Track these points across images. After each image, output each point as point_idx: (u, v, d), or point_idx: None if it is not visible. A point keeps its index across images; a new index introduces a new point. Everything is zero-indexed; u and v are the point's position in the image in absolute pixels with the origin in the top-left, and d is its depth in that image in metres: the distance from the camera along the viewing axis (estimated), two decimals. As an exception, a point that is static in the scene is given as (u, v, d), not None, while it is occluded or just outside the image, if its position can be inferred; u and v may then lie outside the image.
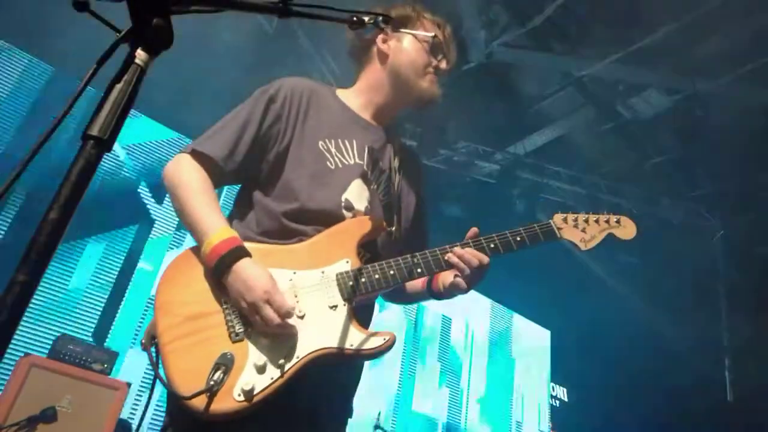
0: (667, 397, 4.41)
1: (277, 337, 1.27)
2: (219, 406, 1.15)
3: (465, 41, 3.39)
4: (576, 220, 1.53)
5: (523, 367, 5.35)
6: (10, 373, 2.74)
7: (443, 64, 1.62)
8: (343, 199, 1.48)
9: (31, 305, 0.64)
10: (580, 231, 1.53)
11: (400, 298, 1.71)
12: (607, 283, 4.80)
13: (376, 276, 1.37)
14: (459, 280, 1.42)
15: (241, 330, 1.27)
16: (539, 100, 3.57)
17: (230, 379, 1.18)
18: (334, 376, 1.36)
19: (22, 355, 2.78)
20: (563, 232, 1.51)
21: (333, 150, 1.53)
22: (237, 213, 1.52)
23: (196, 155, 1.42)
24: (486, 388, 5.09)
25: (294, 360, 1.24)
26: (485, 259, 1.40)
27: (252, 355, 1.24)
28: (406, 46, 1.61)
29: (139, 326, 3.29)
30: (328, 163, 1.50)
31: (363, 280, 1.36)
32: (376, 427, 3.46)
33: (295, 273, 1.37)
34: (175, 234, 3.79)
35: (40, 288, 0.67)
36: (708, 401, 4.29)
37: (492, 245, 1.42)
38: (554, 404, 5.07)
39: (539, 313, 5.41)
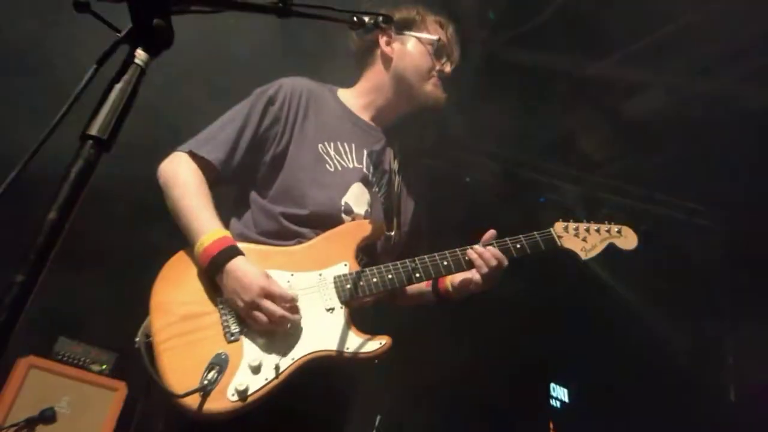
0: (668, 397, 4.40)
1: (272, 338, 1.27)
2: (212, 406, 1.15)
3: (465, 41, 3.39)
4: (577, 229, 1.54)
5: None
6: (8, 374, 2.74)
7: (447, 67, 1.62)
8: (342, 203, 1.48)
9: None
10: (581, 240, 1.53)
11: (402, 302, 1.70)
12: (606, 283, 4.78)
13: (374, 280, 1.37)
14: (478, 277, 1.41)
15: (237, 330, 1.27)
16: (539, 100, 3.56)
17: (224, 379, 1.18)
18: (331, 380, 1.36)
19: (21, 355, 2.78)
20: (564, 241, 1.51)
21: (332, 153, 1.53)
22: (235, 212, 1.52)
23: (193, 156, 1.42)
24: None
25: (289, 361, 1.24)
26: (504, 260, 1.40)
27: (247, 355, 1.24)
28: (411, 50, 1.61)
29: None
30: (328, 165, 1.50)
31: (361, 283, 1.36)
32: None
33: (292, 275, 1.37)
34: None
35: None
36: (709, 401, 4.27)
37: None
38: (554, 405, 5.06)
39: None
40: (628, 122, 3.67)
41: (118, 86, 0.72)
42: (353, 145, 1.56)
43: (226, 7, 0.90)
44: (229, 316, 1.29)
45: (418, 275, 1.41)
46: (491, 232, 1.46)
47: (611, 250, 1.54)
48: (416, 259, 1.43)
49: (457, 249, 1.45)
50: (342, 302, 1.34)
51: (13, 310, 0.61)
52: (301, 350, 1.26)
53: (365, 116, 1.66)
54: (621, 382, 4.52)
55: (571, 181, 4.25)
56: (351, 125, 1.61)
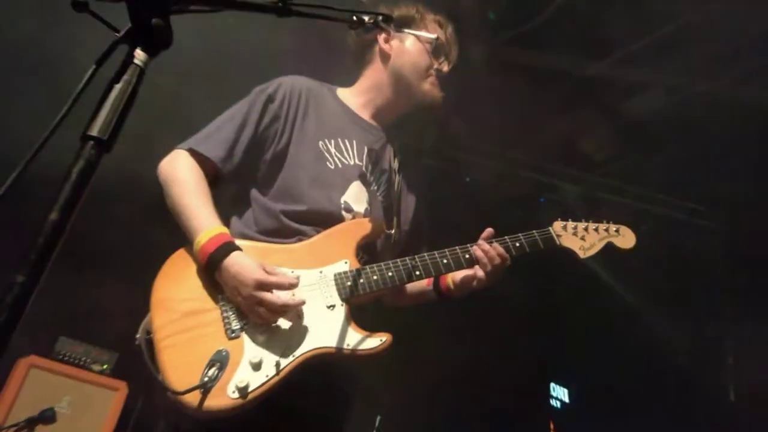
0: (668, 398, 4.40)
1: (273, 334, 1.27)
2: (212, 403, 1.16)
3: (466, 41, 3.39)
4: (576, 227, 1.54)
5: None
6: (9, 373, 2.74)
7: (445, 66, 1.63)
8: (342, 201, 1.48)
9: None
10: (580, 239, 1.54)
11: (401, 301, 1.70)
12: (606, 283, 4.78)
13: (375, 277, 1.38)
14: (481, 273, 1.41)
15: (237, 327, 1.27)
16: (539, 100, 3.56)
17: (225, 375, 1.19)
18: (332, 378, 1.36)
19: (22, 355, 2.78)
20: (562, 240, 1.52)
21: (333, 150, 1.53)
22: (235, 211, 1.53)
23: (193, 154, 1.43)
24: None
25: (290, 358, 1.24)
26: (507, 258, 1.41)
27: (248, 352, 1.24)
28: (409, 48, 1.61)
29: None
30: (328, 163, 1.51)
31: (361, 280, 1.37)
32: None
33: (293, 272, 1.37)
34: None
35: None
36: (709, 401, 4.27)
37: None
38: (555, 405, 5.06)
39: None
40: (628, 122, 3.67)
41: (117, 86, 0.72)
42: (354, 142, 1.56)
43: (225, 6, 0.90)
44: (230, 313, 1.29)
45: (418, 273, 1.41)
46: (489, 231, 1.47)
47: (610, 249, 1.55)
48: (416, 256, 1.43)
49: (457, 247, 1.46)
50: (342, 299, 1.34)
51: (14, 310, 0.61)
52: (302, 347, 1.26)
53: (365, 115, 1.66)
54: (621, 382, 4.52)
55: (571, 181, 4.25)
56: (351, 123, 1.61)
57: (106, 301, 3.04)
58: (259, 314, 1.24)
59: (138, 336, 1.26)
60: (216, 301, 1.31)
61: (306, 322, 1.30)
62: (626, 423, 4.44)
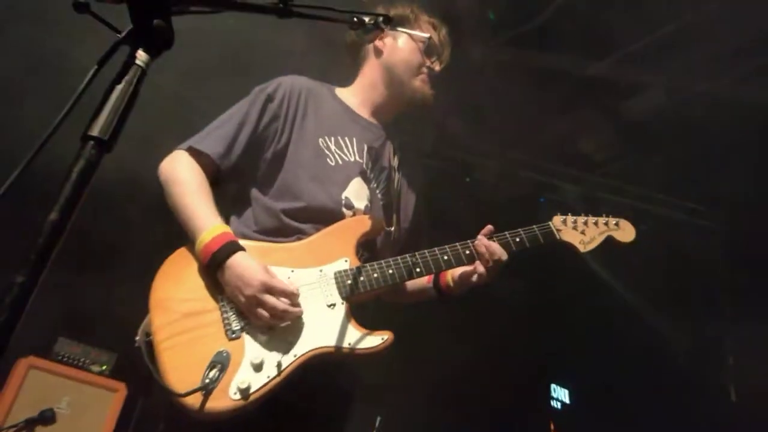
0: (668, 398, 4.40)
1: (274, 334, 1.26)
2: (214, 405, 1.15)
3: (466, 41, 3.40)
4: (575, 222, 1.54)
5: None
6: (8, 374, 2.73)
7: (436, 66, 1.64)
8: (343, 198, 1.48)
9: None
10: (579, 233, 1.53)
11: (402, 298, 1.70)
12: (607, 283, 4.78)
13: (375, 275, 1.37)
14: (481, 269, 1.41)
15: (238, 327, 1.27)
16: (539, 100, 3.56)
17: (226, 377, 1.18)
18: (333, 377, 1.36)
19: (21, 356, 2.78)
20: (562, 234, 1.52)
21: (333, 147, 1.53)
22: (235, 211, 1.52)
23: (193, 152, 1.42)
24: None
25: (292, 358, 1.24)
26: (504, 255, 1.41)
27: (248, 353, 1.23)
28: (401, 46, 1.63)
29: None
30: (328, 160, 1.51)
31: (362, 278, 1.36)
32: None
33: (293, 271, 1.37)
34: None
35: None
36: (710, 401, 4.27)
37: None
38: (555, 405, 5.06)
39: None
40: (628, 122, 3.67)
41: (119, 87, 0.72)
42: (354, 140, 1.57)
43: (226, 7, 0.90)
44: (231, 313, 1.28)
45: (418, 270, 1.41)
46: (488, 227, 1.47)
47: (609, 243, 1.54)
48: (416, 254, 1.43)
49: (457, 243, 1.46)
50: (343, 298, 1.34)
51: (13, 310, 0.61)
52: (303, 347, 1.25)
53: (364, 113, 1.67)
54: (621, 383, 4.52)
55: (571, 181, 4.25)
56: (351, 121, 1.62)
57: (105, 302, 3.04)
58: (260, 316, 1.24)
59: (137, 338, 1.26)
60: (216, 301, 1.30)
61: (307, 321, 1.29)
62: (626, 423, 4.43)
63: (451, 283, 1.53)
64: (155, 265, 1.35)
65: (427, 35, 1.62)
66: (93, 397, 2.87)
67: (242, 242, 1.35)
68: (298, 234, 1.43)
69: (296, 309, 1.26)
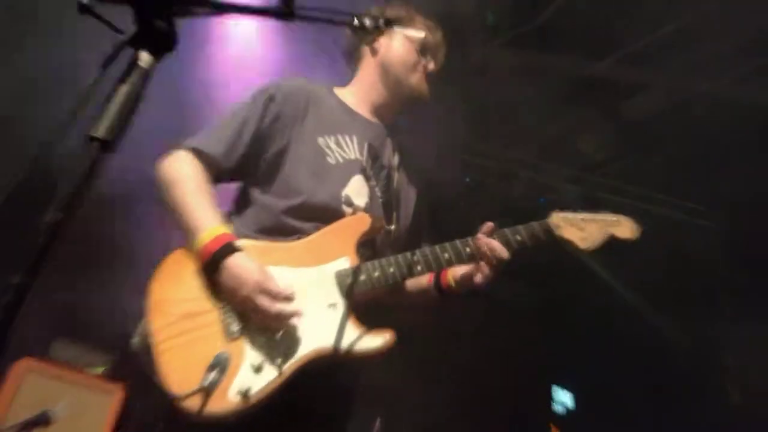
0: (668, 397, 4.39)
1: (274, 335, 1.25)
2: (214, 407, 1.13)
3: (466, 41, 3.39)
4: (574, 218, 1.52)
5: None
6: (5, 376, 2.71)
7: (431, 65, 1.66)
8: (343, 195, 1.48)
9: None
10: (579, 230, 1.51)
11: (403, 299, 1.68)
12: (607, 284, 4.78)
13: (376, 273, 1.36)
14: (481, 268, 1.40)
15: (237, 329, 1.25)
16: (539, 100, 3.56)
17: (226, 379, 1.16)
18: (334, 377, 1.34)
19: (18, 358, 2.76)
20: (562, 231, 1.50)
21: (333, 146, 1.53)
22: (235, 211, 1.52)
23: (194, 152, 1.41)
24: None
25: (292, 360, 1.22)
26: (505, 252, 1.39)
27: (248, 354, 1.22)
28: (397, 44, 1.65)
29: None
30: (328, 158, 1.50)
31: (362, 277, 1.35)
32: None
33: (293, 270, 1.36)
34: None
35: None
36: (711, 401, 4.27)
37: None
38: (558, 409, 5.05)
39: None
40: (628, 122, 3.67)
41: (122, 89, 0.72)
42: (354, 138, 1.57)
43: (228, 10, 0.90)
44: (230, 315, 1.27)
45: (419, 267, 1.40)
46: (489, 225, 1.46)
47: (610, 240, 1.52)
48: (417, 251, 1.42)
49: (457, 241, 1.45)
50: (344, 297, 1.32)
51: (10, 311, 0.60)
52: (304, 348, 1.24)
53: (363, 111, 1.68)
54: (621, 383, 4.52)
55: (570, 181, 4.25)
56: (350, 120, 1.62)
57: (102, 303, 3.02)
58: (254, 317, 1.23)
59: (135, 340, 1.24)
60: (214, 302, 1.29)
61: (307, 321, 1.28)
62: (627, 424, 4.43)
63: (453, 284, 1.52)
64: (154, 266, 1.33)
65: (422, 35, 1.63)
66: (91, 399, 2.85)
67: (242, 242, 1.34)
68: (299, 233, 1.42)
69: (290, 310, 1.24)
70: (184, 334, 1.22)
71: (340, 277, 1.35)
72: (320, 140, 1.52)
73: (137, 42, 0.75)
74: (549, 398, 5.05)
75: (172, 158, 1.42)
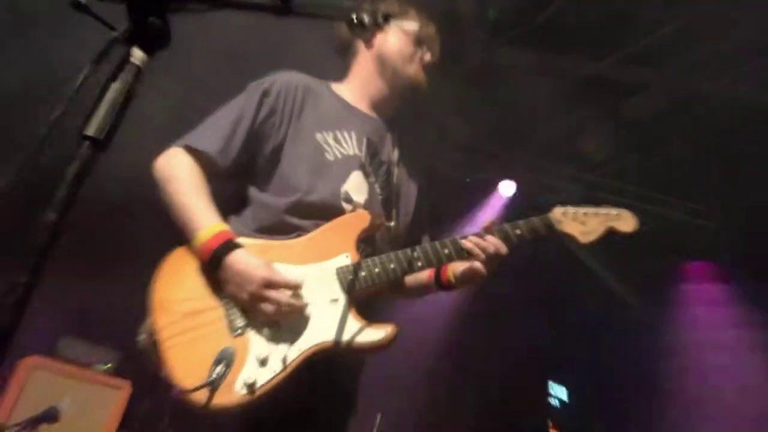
0: (668, 398, 4.40)
1: (278, 330, 1.27)
2: (221, 400, 1.16)
3: (466, 41, 3.40)
4: (575, 213, 1.52)
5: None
6: (12, 373, 2.74)
7: (427, 56, 1.65)
8: (342, 191, 1.48)
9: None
10: (580, 224, 1.51)
11: (403, 294, 1.70)
12: (605, 282, 4.79)
13: (376, 269, 1.38)
14: (478, 264, 1.41)
15: (242, 324, 1.27)
16: (539, 100, 3.57)
17: (232, 373, 1.19)
18: (336, 372, 1.36)
19: (25, 355, 2.79)
20: (563, 225, 1.50)
21: (331, 141, 1.53)
22: (233, 209, 1.51)
23: (189, 150, 1.42)
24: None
25: (296, 353, 1.24)
26: (503, 247, 1.40)
27: (253, 348, 1.24)
28: (392, 37, 1.64)
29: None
30: (327, 154, 1.50)
31: (363, 273, 1.36)
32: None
33: (294, 268, 1.37)
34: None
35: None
36: (711, 402, 4.27)
37: None
38: (554, 404, 5.06)
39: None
40: (628, 122, 3.68)
41: (114, 86, 0.71)
42: (352, 133, 1.56)
43: (224, 5, 0.89)
44: (233, 310, 1.29)
45: (419, 263, 1.41)
46: (491, 221, 1.47)
47: (611, 233, 1.53)
48: (417, 247, 1.43)
49: (457, 237, 1.46)
50: (345, 293, 1.34)
51: (16, 310, 0.61)
52: (308, 341, 1.26)
53: (362, 106, 1.67)
54: (620, 382, 4.52)
55: (570, 181, 4.26)
56: (349, 115, 1.61)
57: (108, 300, 3.05)
58: (264, 311, 1.24)
59: (141, 338, 1.26)
60: (218, 299, 1.30)
61: (310, 316, 1.30)
62: (625, 422, 4.44)
63: (453, 279, 1.53)
64: (159, 264, 1.35)
65: (417, 26, 1.64)
66: (97, 395, 2.87)
67: (241, 241, 1.35)
68: (298, 231, 1.43)
69: (300, 302, 1.26)
70: (189, 331, 1.24)
71: (341, 273, 1.36)
72: (318, 136, 1.51)
73: (130, 39, 0.74)
74: (546, 393, 5.06)
75: (168, 156, 1.42)
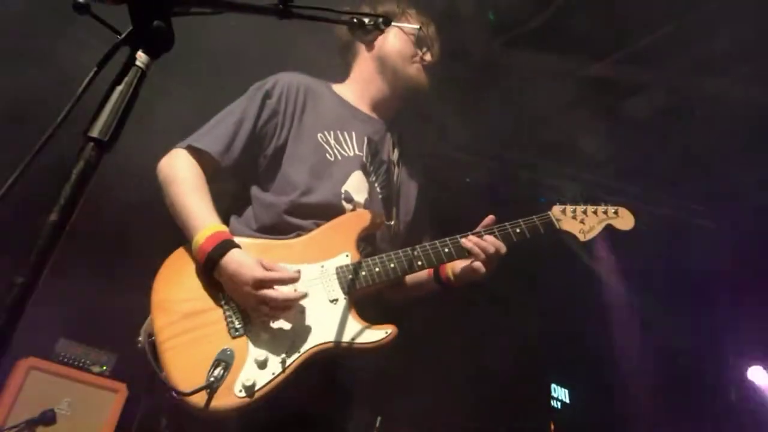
0: (670, 398, 4.40)
1: (277, 331, 1.26)
2: (220, 403, 1.15)
3: (466, 41, 3.40)
4: (575, 211, 1.54)
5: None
6: (8, 375, 2.73)
7: (428, 56, 1.66)
8: (343, 191, 1.48)
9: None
10: (579, 222, 1.53)
11: (403, 293, 1.70)
12: (606, 283, 4.78)
13: (377, 269, 1.37)
14: (477, 264, 1.42)
15: (241, 325, 1.27)
16: (539, 100, 3.56)
17: (231, 375, 1.18)
18: (335, 373, 1.36)
19: (21, 357, 2.78)
20: (562, 224, 1.52)
21: (332, 142, 1.53)
22: (235, 210, 1.52)
23: (192, 150, 1.42)
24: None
25: (296, 355, 1.24)
26: (502, 247, 1.41)
27: (252, 350, 1.23)
28: (393, 38, 1.65)
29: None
30: (328, 155, 1.51)
31: (363, 273, 1.36)
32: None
33: (294, 267, 1.36)
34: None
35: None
36: (710, 401, 4.27)
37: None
38: (555, 405, 5.06)
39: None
40: (628, 122, 3.67)
41: (119, 88, 0.72)
42: (353, 134, 1.57)
43: (226, 8, 0.91)
44: (233, 312, 1.28)
45: (420, 263, 1.41)
46: (491, 218, 1.47)
47: (609, 230, 1.54)
48: (417, 246, 1.43)
49: (457, 236, 1.46)
50: (345, 293, 1.33)
51: (13, 311, 0.61)
52: (307, 343, 1.25)
53: (362, 107, 1.68)
54: (621, 382, 4.52)
55: (570, 181, 4.26)
56: (350, 116, 1.62)
57: (105, 302, 3.03)
58: (262, 312, 1.24)
59: (140, 339, 1.26)
60: (217, 300, 1.30)
61: (309, 317, 1.29)
62: (626, 423, 4.44)
63: (452, 277, 1.53)
64: (158, 266, 1.35)
65: (417, 26, 1.64)
66: (94, 397, 2.86)
67: (242, 240, 1.35)
68: (298, 230, 1.43)
69: (298, 294, 1.26)
70: (189, 332, 1.24)
71: (341, 272, 1.36)
72: (319, 136, 1.52)
73: (134, 41, 0.75)
74: (549, 396, 5.06)
75: (170, 157, 1.43)
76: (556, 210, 1.53)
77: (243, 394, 1.17)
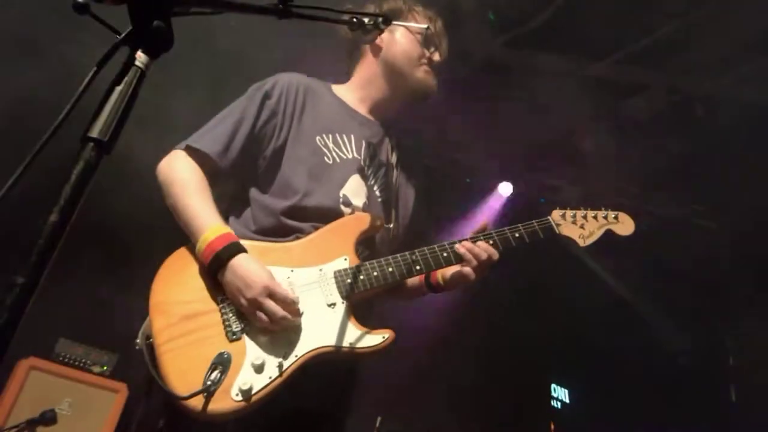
0: (670, 398, 4.40)
1: (275, 335, 1.26)
2: (216, 406, 1.15)
3: (466, 41, 3.40)
4: (574, 216, 1.53)
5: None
6: (9, 375, 2.73)
7: (436, 56, 1.63)
8: (341, 195, 1.48)
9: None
10: (579, 227, 1.52)
11: (399, 296, 1.70)
12: (606, 284, 4.78)
13: (375, 273, 1.37)
14: (468, 270, 1.41)
15: (239, 329, 1.26)
16: (539, 100, 3.56)
17: (228, 378, 1.18)
18: (332, 376, 1.35)
19: (22, 357, 2.78)
20: (562, 229, 1.51)
21: (331, 145, 1.52)
22: (233, 211, 1.52)
23: (191, 151, 1.42)
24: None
25: (293, 359, 1.24)
26: (495, 254, 1.40)
27: (249, 354, 1.23)
28: (399, 38, 1.62)
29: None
30: (326, 158, 1.50)
31: (361, 277, 1.36)
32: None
33: (292, 271, 1.36)
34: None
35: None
36: (711, 402, 4.27)
37: (490, 242, 1.42)
38: (555, 405, 5.06)
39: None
40: (628, 122, 3.67)
41: (118, 88, 0.72)
42: (352, 137, 1.56)
43: (226, 8, 0.90)
44: (231, 315, 1.28)
45: (418, 267, 1.41)
46: (483, 223, 1.47)
47: (609, 236, 1.53)
48: (416, 251, 1.42)
49: (456, 240, 1.46)
50: (343, 297, 1.33)
51: (14, 311, 0.61)
52: (304, 347, 1.25)
53: (362, 110, 1.66)
54: (621, 383, 4.52)
55: (570, 181, 4.26)
56: (349, 118, 1.61)
57: (106, 303, 3.04)
58: (259, 319, 1.23)
59: (138, 341, 1.25)
60: (216, 302, 1.30)
61: (307, 321, 1.29)
62: (626, 423, 4.43)
63: (442, 282, 1.53)
64: (157, 266, 1.34)
65: (425, 25, 1.61)
66: (94, 397, 2.87)
67: (242, 242, 1.34)
68: (297, 233, 1.42)
69: (295, 318, 1.26)
70: (186, 334, 1.24)
71: (339, 276, 1.35)
72: (318, 139, 1.51)
73: (134, 41, 0.75)
74: (549, 396, 5.06)
75: (170, 158, 1.42)
76: (555, 215, 1.52)
77: (240, 398, 1.17)
